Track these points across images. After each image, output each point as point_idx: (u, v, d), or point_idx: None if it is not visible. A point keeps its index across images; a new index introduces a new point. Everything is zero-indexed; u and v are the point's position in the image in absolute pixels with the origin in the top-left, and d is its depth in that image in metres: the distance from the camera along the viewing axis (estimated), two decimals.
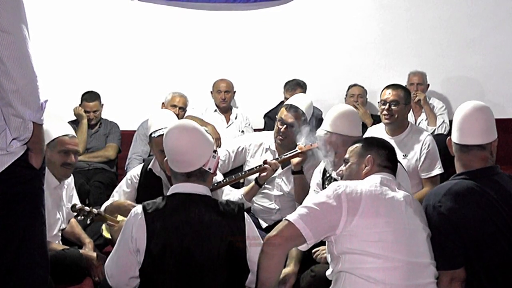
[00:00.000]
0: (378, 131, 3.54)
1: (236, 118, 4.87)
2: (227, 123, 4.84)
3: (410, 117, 4.56)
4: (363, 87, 4.94)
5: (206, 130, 2.11)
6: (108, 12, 5.06)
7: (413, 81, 4.89)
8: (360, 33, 5.27)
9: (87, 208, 2.69)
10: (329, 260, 2.02)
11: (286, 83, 4.82)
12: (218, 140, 4.17)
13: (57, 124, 2.82)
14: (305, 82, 4.79)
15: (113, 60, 5.07)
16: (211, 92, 4.92)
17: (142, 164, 3.07)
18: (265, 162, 2.97)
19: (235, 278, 1.98)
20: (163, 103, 4.35)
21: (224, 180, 2.95)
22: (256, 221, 3.25)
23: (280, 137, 3.19)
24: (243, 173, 3.05)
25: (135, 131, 4.38)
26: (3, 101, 1.69)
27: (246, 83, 5.10)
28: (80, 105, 4.58)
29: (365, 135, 3.34)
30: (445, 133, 4.50)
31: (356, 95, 4.86)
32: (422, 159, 3.34)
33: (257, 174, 2.99)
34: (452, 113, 3.50)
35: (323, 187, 2.76)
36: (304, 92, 4.58)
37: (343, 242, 1.86)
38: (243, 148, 3.39)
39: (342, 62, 5.26)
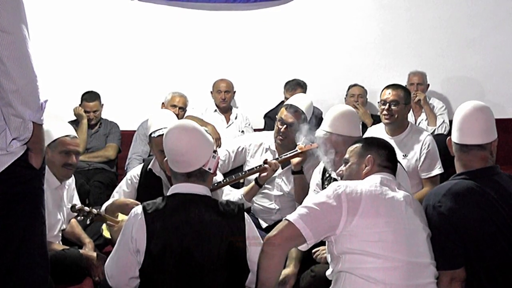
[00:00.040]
0: (378, 131, 3.54)
1: (236, 118, 4.87)
2: (227, 123, 4.84)
3: (410, 117, 4.56)
4: (363, 87, 4.94)
5: (206, 130, 2.11)
6: (108, 12, 5.06)
7: (413, 81, 4.89)
8: (360, 33, 5.27)
9: (86, 208, 2.69)
10: (329, 260, 2.02)
11: (286, 83, 4.82)
12: (218, 140, 4.17)
13: (58, 124, 2.83)
14: (305, 82, 4.79)
15: (113, 60, 5.07)
16: (211, 92, 4.92)
17: (142, 164, 3.07)
18: (265, 162, 2.97)
19: (235, 278, 1.98)
20: (163, 103, 4.35)
21: (224, 180, 2.95)
22: (256, 221, 3.25)
23: (280, 137, 3.19)
24: (243, 173, 3.05)
25: (135, 131, 4.38)
26: (3, 101, 1.69)
27: (246, 83, 5.10)
28: (80, 105, 4.58)
29: (365, 135, 3.34)
30: (445, 133, 4.50)
31: (356, 95, 4.87)
32: (422, 159, 3.34)
33: (257, 174, 2.99)
34: (452, 113, 3.50)
35: (323, 187, 2.76)
36: (304, 92, 4.58)
37: (343, 242, 1.86)
38: (243, 148, 3.39)
39: (342, 62, 5.26)
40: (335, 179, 2.54)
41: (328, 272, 2.02)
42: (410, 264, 1.84)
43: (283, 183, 3.25)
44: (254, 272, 1.94)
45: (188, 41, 5.16)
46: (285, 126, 3.15)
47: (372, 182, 1.96)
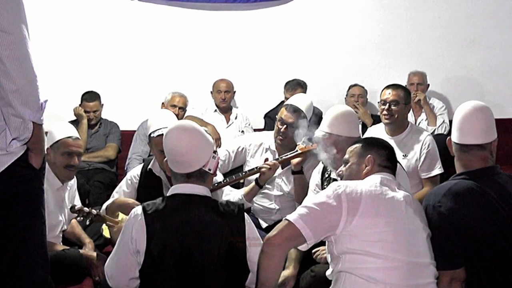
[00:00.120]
0: (378, 131, 3.54)
1: (236, 118, 4.87)
2: (227, 123, 4.84)
3: (410, 117, 4.56)
4: (363, 87, 4.94)
5: (206, 130, 2.11)
6: (108, 12, 5.06)
7: (413, 81, 4.89)
8: (360, 33, 5.27)
9: (86, 209, 2.69)
10: (329, 260, 2.02)
11: (286, 83, 4.81)
12: (218, 140, 4.17)
13: (60, 125, 2.84)
14: (305, 82, 4.79)
15: (113, 60, 5.07)
16: (211, 92, 4.92)
17: (142, 164, 3.07)
18: (265, 161, 2.97)
19: (235, 279, 1.97)
20: (163, 103, 4.35)
21: (224, 181, 2.95)
22: (256, 221, 3.25)
23: (280, 137, 3.19)
24: (243, 173, 3.05)
25: (135, 131, 4.38)
26: (3, 101, 1.69)
27: (246, 83, 5.10)
28: (80, 105, 4.58)
29: (365, 135, 3.35)
30: (445, 133, 4.50)
31: (357, 95, 4.87)
32: (422, 159, 3.34)
33: (257, 175, 2.99)
34: (452, 113, 3.49)
35: (322, 188, 2.76)
36: (305, 92, 4.58)
37: (343, 242, 1.86)
38: (243, 148, 3.39)
39: (342, 62, 5.26)
40: (334, 179, 2.54)
41: (328, 272, 2.02)
42: (410, 264, 1.84)
43: (283, 183, 3.25)
44: (254, 272, 1.94)
45: (188, 41, 5.16)
46: (285, 126, 3.15)
47: (372, 182, 1.96)
